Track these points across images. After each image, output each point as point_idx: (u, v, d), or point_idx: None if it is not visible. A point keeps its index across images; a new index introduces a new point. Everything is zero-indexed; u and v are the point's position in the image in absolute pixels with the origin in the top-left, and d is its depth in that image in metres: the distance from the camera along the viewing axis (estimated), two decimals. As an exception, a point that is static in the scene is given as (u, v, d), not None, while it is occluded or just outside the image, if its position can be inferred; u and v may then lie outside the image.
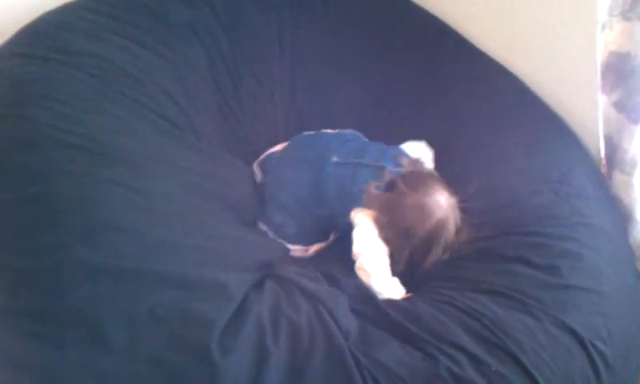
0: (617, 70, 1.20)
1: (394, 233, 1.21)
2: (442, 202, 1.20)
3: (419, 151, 1.40)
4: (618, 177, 1.29)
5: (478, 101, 1.43)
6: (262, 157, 1.47)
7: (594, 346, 1.03)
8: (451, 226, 1.20)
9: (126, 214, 1.03)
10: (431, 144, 1.44)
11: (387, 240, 1.22)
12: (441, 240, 1.19)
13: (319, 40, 1.57)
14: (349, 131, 1.46)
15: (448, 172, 1.35)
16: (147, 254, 1.00)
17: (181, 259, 1.02)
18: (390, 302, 1.14)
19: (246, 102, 1.51)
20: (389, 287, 1.19)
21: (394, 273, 1.22)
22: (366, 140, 1.44)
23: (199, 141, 1.35)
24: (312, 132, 1.47)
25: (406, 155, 1.33)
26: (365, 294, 1.15)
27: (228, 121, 1.48)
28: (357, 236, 1.24)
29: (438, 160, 1.42)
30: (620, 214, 1.28)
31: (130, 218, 1.03)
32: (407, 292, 1.21)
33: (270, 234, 1.37)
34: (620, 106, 1.23)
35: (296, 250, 1.36)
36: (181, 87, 1.37)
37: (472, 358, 0.99)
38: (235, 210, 1.26)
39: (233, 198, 1.28)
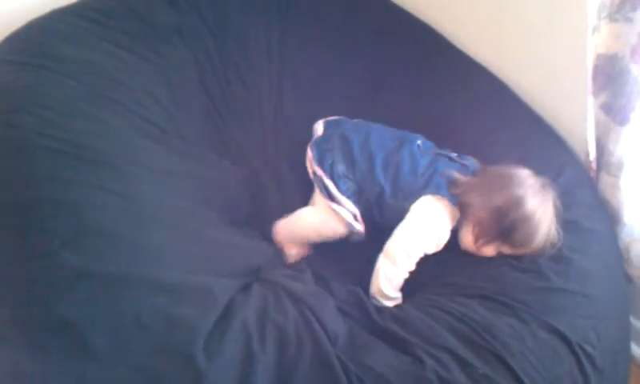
0: (605, 72, 1.21)
1: (483, 213, 1.16)
2: (536, 191, 1.16)
3: None
4: (605, 179, 1.29)
5: (465, 107, 1.43)
6: (328, 119, 1.42)
7: (583, 349, 1.02)
8: (549, 221, 1.14)
9: (111, 218, 1.03)
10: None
11: (475, 222, 1.18)
12: (539, 231, 1.13)
13: (306, 44, 1.57)
14: None
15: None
16: (132, 259, 0.99)
17: (166, 264, 1.02)
18: (379, 306, 1.14)
19: (234, 106, 1.51)
20: (389, 299, 1.18)
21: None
22: None
23: (186, 144, 1.35)
24: None
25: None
26: (354, 298, 1.14)
27: (216, 124, 1.48)
28: (404, 232, 1.19)
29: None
30: (608, 217, 1.28)
31: (115, 223, 1.03)
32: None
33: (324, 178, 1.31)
34: (607, 108, 1.23)
35: (345, 210, 1.28)
36: (168, 91, 1.37)
37: (460, 361, 0.98)
38: (223, 211, 1.25)
39: (220, 199, 1.27)
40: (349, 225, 1.27)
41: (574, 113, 1.34)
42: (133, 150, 1.17)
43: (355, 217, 1.28)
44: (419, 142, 1.31)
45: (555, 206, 1.17)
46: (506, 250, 1.16)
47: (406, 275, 1.20)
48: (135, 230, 1.03)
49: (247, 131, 1.51)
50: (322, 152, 1.33)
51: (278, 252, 1.28)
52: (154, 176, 1.16)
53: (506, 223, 1.14)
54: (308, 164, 1.36)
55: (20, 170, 1.06)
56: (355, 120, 1.41)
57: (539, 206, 1.14)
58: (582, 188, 1.28)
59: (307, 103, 1.53)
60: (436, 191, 1.21)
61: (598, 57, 1.21)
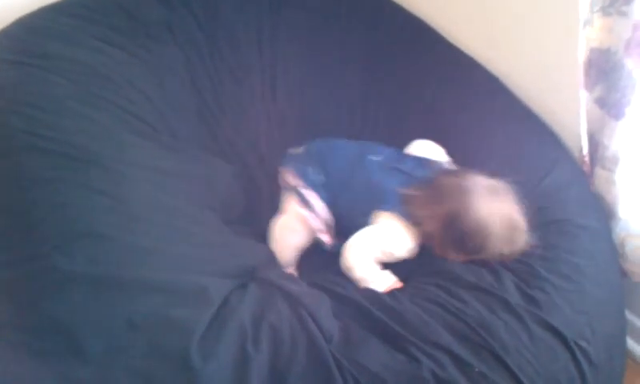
0: (598, 66, 1.20)
1: (431, 226, 1.15)
2: (485, 198, 1.13)
3: (431, 150, 1.37)
4: (599, 173, 1.28)
5: (457, 103, 1.42)
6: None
7: (578, 345, 1.02)
8: (501, 226, 1.12)
9: (103, 220, 1.02)
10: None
11: (427, 236, 1.18)
12: (490, 237, 1.11)
13: (298, 40, 1.56)
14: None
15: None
16: (125, 260, 0.99)
17: (159, 265, 1.01)
18: (374, 301, 1.12)
19: (226, 103, 1.49)
20: (371, 277, 1.18)
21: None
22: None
23: (177, 142, 1.34)
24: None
25: (442, 165, 1.29)
26: (349, 296, 1.13)
27: (207, 122, 1.46)
28: (360, 239, 1.20)
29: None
30: (603, 212, 1.27)
31: (107, 225, 1.02)
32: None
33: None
34: (601, 102, 1.22)
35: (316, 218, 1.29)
36: (158, 89, 1.36)
37: (455, 359, 0.97)
38: (216, 210, 1.24)
39: (213, 198, 1.26)
40: (316, 232, 1.28)
41: (566, 107, 1.33)
42: (123, 149, 1.16)
43: (328, 227, 1.29)
44: (378, 157, 1.30)
45: (518, 207, 1.14)
46: (466, 257, 1.15)
47: (371, 267, 1.19)
48: (127, 231, 1.02)
49: (240, 129, 1.50)
50: (302, 167, 1.33)
51: (272, 253, 1.27)
52: (145, 175, 1.14)
53: (456, 234, 1.13)
54: (286, 177, 1.35)
55: (8, 170, 1.05)
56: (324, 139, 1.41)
57: (489, 212, 1.12)
58: (575, 183, 1.27)
59: (300, 99, 1.52)
60: (391, 208, 1.21)
61: (592, 50, 1.21)
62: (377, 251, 1.20)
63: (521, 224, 1.13)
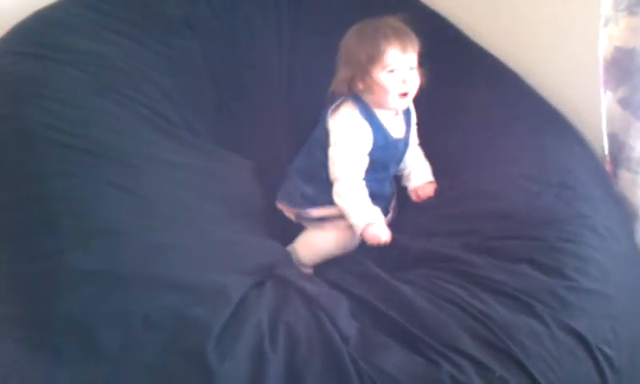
0: (622, 66, 1.18)
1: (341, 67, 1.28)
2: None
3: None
4: (624, 175, 1.26)
5: (477, 99, 1.41)
6: None
7: (601, 350, 1.00)
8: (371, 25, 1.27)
9: (121, 216, 1.02)
10: (429, 144, 1.41)
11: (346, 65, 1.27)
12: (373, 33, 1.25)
13: (317, 36, 1.54)
14: None
15: (445, 172, 1.35)
16: (142, 257, 0.98)
17: (177, 262, 1.01)
18: (392, 302, 1.09)
19: (244, 98, 1.49)
20: (355, 202, 1.23)
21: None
22: None
23: (195, 137, 1.34)
24: None
25: None
26: (365, 296, 1.11)
27: (225, 117, 1.46)
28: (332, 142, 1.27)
29: (435, 160, 1.40)
30: (626, 213, 1.25)
31: (125, 221, 1.02)
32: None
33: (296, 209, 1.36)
34: (626, 103, 1.20)
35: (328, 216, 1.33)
36: (176, 83, 1.36)
37: (475, 363, 0.95)
38: (233, 207, 1.24)
39: (231, 195, 1.26)
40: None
41: (588, 106, 1.32)
42: (142, 144, 1.16)
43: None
44: None
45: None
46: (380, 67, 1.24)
47: (355, 186, 1.25)
48: (145, 228, 1.02)
49: (258, 127, 1.50)
50: (292, 194, 1.36)
51: (289, 251, 1.28)
52: (163, 171, 1.15)
53: (350, 53, 1.27)
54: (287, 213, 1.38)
55: (25, 164, 1.05)
56: None
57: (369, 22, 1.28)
58: (596, 184, 1.25)
59: (318, 94, 1.50)
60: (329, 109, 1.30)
61: (615, 49, 1.19)
62: (349, 151, 1.26)
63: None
